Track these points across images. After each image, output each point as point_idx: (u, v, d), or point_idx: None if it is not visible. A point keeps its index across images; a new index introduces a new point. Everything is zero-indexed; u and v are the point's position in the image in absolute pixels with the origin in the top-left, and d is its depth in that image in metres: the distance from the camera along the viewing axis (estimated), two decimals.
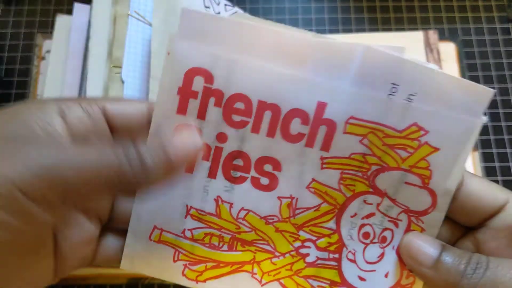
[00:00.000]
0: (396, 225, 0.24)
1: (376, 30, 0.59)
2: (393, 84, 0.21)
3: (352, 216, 0.24)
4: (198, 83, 0.22)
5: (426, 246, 0.23)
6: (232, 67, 0.21)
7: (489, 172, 0.51)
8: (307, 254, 0.25)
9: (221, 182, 0.24)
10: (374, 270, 0.25)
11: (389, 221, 0.24)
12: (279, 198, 0.24)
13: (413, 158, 0.23)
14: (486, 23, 0.59)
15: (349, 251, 0.25)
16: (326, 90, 0.21)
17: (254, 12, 0.59)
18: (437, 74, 0.21)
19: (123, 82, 0.43)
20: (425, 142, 0.22)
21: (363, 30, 0.59)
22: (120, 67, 0.44)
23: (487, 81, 0.56)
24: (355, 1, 0.61)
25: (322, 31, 0.59)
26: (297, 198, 0.24)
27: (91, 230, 0.23)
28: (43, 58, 0.56)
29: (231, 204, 0.24)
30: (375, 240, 0.24)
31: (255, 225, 0.25)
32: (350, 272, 0.25)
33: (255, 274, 0.25)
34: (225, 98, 0.22)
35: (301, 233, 0.25)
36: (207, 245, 0.25)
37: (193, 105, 0.22)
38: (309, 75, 0.21)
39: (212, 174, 0.24)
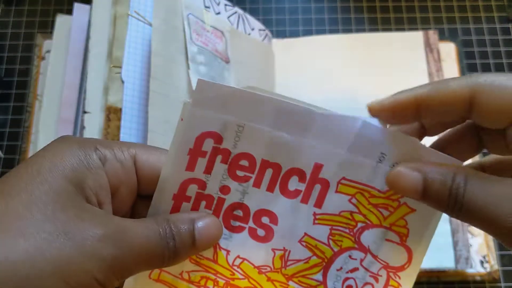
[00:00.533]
0: (377, 280, 0.26)
1: (376, 30, 0.59)
2: (382, 153, 0.24)
3: (338, 270, 0.26)
4: (208, 144, 0.24)
5: (409, 174, 0.23)
6: (240, 131, 0.24)
7: None
8: None
9: None
10: None
11: (370, 276, 0.26)
12: (273, 250, 0.26)
13: (393, 217, 0.25)
14: (486, 23, 0.59)
15: None
16: (324, 154, 0.24)
17: (254, 12, 0.59)
18: (419, 146, 0.24)
19: (123, 82, 0.43)
20: (404, 203, 0.25)
21: (363, 30, 0.59)
22: (120, 67, 0.44)
23: None
24: (355, 1, 0.61)
25: (322, 31, 0.59)
26: (289, 251, 0.26)
27: None
28: (43, 58, 0.56)
29: (228, 251, 0.26)
30: None
31: (248, 273, 0.26)
32: None
33: None
34: (231, 156, 0.24)
35: (290, 283, 0.27)
36: None
37: (201, 162, 0.24)
38: (310, 141, 0.24)
39: None
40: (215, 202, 0.25)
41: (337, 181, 0.25)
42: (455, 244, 0.49)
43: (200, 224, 0.24)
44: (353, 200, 0.25)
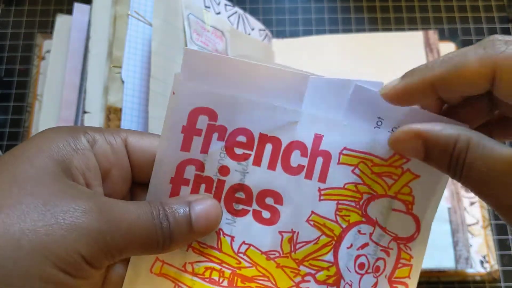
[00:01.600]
0: (388, 254, 0.25)
1: (376, 30, 0.59)
2: (379, 118, 0.23)
3: (348, 248, 0.25)
4: (203, 122, 0.23)
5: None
6: (234, 104, 0.23)
7: None
8: None
9: (223, 214, 0.24)
10: None
11: (381, 250, 0.25)
12: (280, 232, 0.24)
13: (397, 185, 0.24)
14: (486, 23, 0.59)
15: (346, 283, 0.25)
16: (323, 123, 0.23)
17: (254, 12, 0.59)
18: (414, 110, 0.23)
19: (123, 82, 0.43)
20: (407, 169, 0.24)
21: (363, 30, 0.59)
22: (120, 67, 0.44)
23: None
24: (355, 1, 0.61)
25: (322, 31, 0.59)
26: (298, 232, 0.25)
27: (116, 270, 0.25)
28: (43, 58, 0.56)
29: (232, 238, 0.24)
30: (370, 270, 0.25)
31: (256, 261, 0.25)
32: None
33: None
34: (228, 132, 0.23)
35: (301, 268, 0.25)
36: (207, 280, 0.25)
37: (197, 141, 0.23)
38: (307, 109, 0.23)
39: None
40: (215, 184, 0.24)
41: (339, 152, 0.24)
42: (455, 244, 0.49)
43: (197, 207, 0.23)
44: (356, 171, 0.24)
